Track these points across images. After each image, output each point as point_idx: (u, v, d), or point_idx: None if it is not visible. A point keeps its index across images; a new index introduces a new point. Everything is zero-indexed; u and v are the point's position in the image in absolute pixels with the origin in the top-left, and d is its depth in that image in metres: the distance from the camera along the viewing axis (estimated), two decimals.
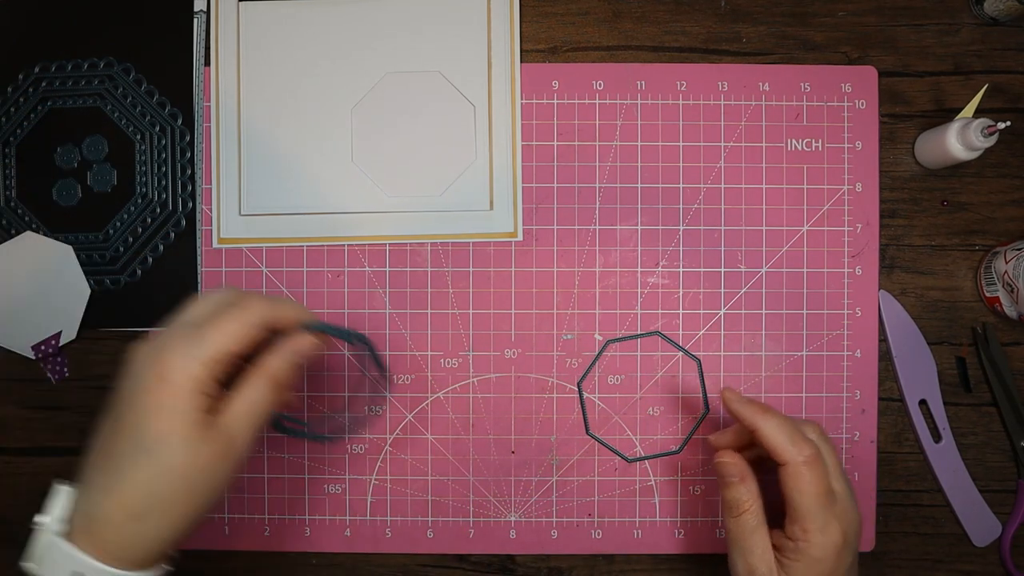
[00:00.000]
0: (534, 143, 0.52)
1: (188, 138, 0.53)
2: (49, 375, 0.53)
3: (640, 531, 0.52)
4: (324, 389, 0.52)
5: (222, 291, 0.40)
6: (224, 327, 0.37)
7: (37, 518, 0.36)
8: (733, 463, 0.44)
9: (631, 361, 0.52)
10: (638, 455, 0.52)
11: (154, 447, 0.35)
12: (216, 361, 0.36)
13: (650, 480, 0.52)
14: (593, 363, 0.51)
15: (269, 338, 0.40)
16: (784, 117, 0.52)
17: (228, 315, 0.37)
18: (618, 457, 0.52)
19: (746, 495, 0.43)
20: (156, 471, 0.35)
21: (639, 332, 0.51)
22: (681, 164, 0.52)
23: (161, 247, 0.53)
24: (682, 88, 0.52)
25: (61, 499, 0.36)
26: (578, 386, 0.51)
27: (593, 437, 0.51)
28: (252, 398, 0.38)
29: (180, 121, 0.53)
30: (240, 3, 0.53)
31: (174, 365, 0.36)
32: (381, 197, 0.52)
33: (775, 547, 0.43)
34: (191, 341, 0.36)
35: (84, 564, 0.35)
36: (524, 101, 0.52)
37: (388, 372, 0.52)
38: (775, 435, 0.42)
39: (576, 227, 0.52)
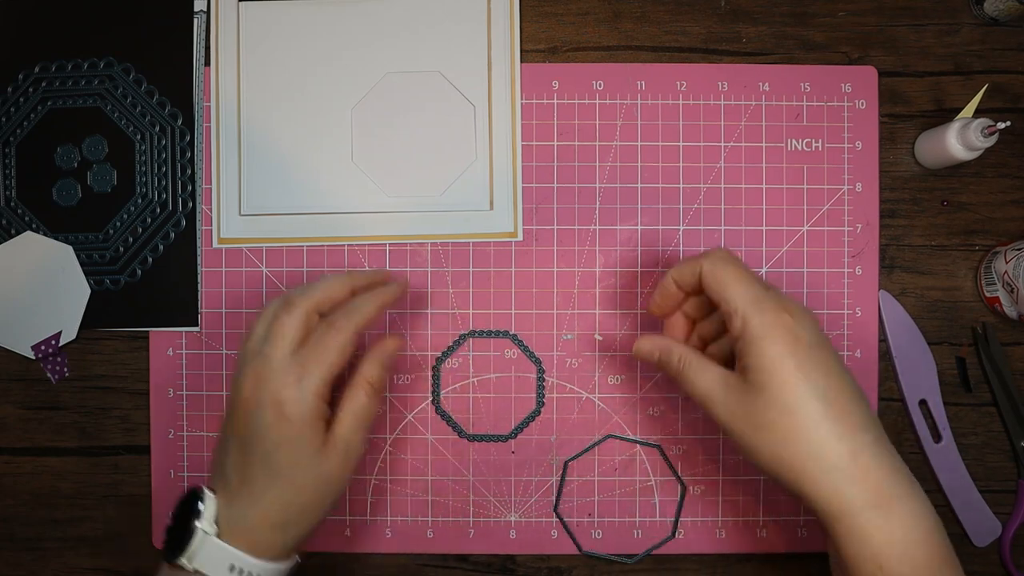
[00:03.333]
0: (534, 143, 0.52)
1: (188, 138, 0.53)
2: (49, 375, 0.53)
3: (640, 531, 0.52)
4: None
5: (293, 308, 0.42)
6: (326, 359, 0.41)
7: (197, 522, 0.40)
8: (646, 342, 0.44)
9: (631, 361, 0.52)
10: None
11: (285, 473, 0.41)
12: (325, 388, 0.42)
13: (650, 480, 0.52)
14: (561, 487, 0.52)
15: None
16: (784, 117, 0.52)
17: (326, 346, 0.42)
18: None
19: (676, 350, 0.42)
20: (290, 491, 0.41)
21: (595, 440, 0.51)
22: (681, 164, 0.52)
23: (161, 247, 0.53)
24: (682, 88, 0.52)
25: (211, 505, 0.41)
26: (555, 512, 0.51)
27: (559, 519, 0.52)
28: (357, 407, 0.43)
29: (180, 121, 0.53)
30: (240, 3, 0.53)
31: (290, 401, 0.41)
32: (381, 197, 0.52)
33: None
34: (300, 376, 0.41)
35: (239, 558, 0.40)
36: (524, 101, 0.52)
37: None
38: (683, 264, 0.42)
39: (576, 227, 0.52)
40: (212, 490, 0.42)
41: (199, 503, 0.41)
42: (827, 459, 0.37)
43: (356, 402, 0.43)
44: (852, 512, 0.37)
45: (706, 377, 0.41)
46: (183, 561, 0.40)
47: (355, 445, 0.43)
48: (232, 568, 0.40)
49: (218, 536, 0.40)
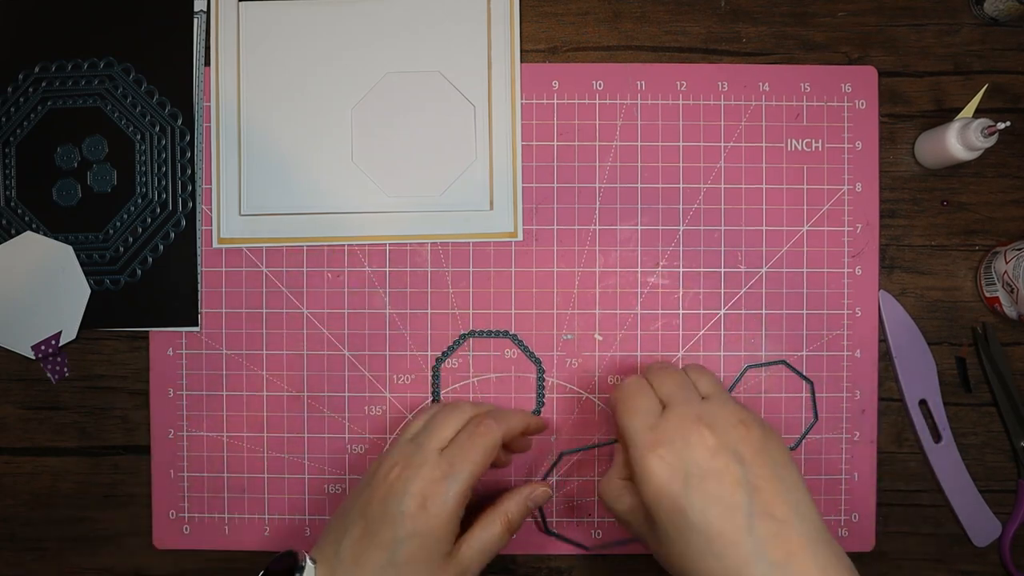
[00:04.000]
0: (534, 143, 0.52)
1: (188, 138, 0.53)
2: (49, 375, 0.53)
3: None
4: (324, 389, 0.52)
5: (457, 409, 0.45)
6: (473, 459, 0.42)
7: None
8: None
9: (631, 361, 0.52)
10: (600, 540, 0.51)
11: (403, 566, 0.40)
12: (469, 491, 0.42)
13: None
14: (552, 469, 0.51)
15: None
16: (784, 117, 0.52)
17: (474, 445, 0.42)
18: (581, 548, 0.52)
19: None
20: None
21: (595, 444, 0.51)
22: (681, 164, 0.52)
23: (161, 247, 0.53)
24: (682, 88, 0.52)
25: (311, 574, 0.40)
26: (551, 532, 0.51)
27: (551, 534, 0.52)
28: (488, 538, 0.43)
29: (180, 121, 0.53)
30: (240, 3, 0.53)
31: (435, 495, 0.40)
32: (381, 197, 0.52)
33: None
34: (447, 473, 0.41)
35: None
36: (524, 101, 0.52)
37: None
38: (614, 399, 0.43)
39: (576, 227, 0.52)
40: (313, 560, 0.41)
41: (298, 572, 0.40)
42: (740, 533, 0.36)
43: (489, 531, 0.43)
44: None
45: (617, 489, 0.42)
46: None
47: (472, 571, 0.42)
48: None
49: None
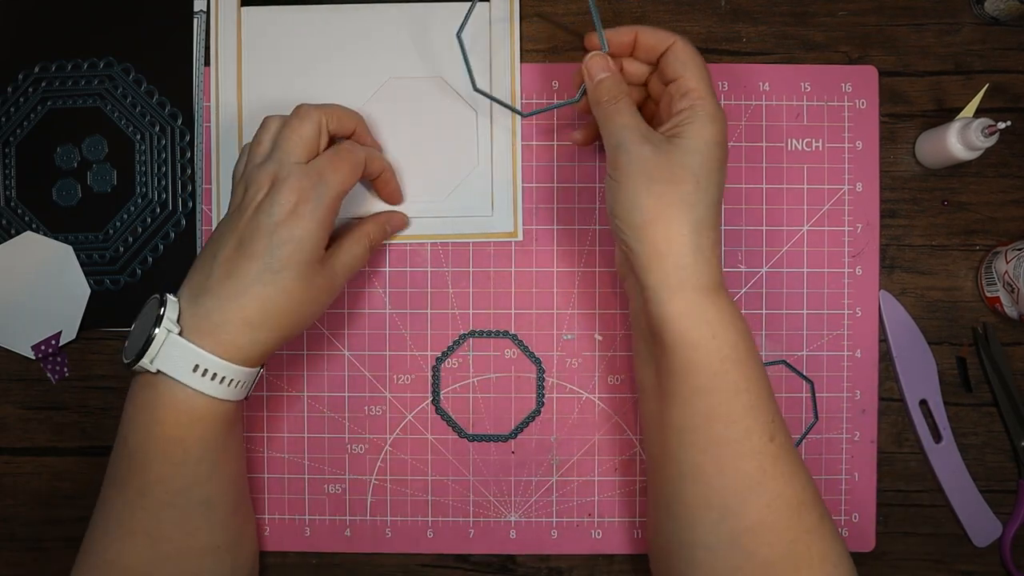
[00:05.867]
0: (534, 143, 0.52)
1: (188, 138, 0.53)
2: (49, 375, 0.53)
3: (640, 531, 0.52)
4: (324, 389, 0.52)
5: (300, 117, 0.43)
6: (341, 170, 0.43)
7: (155, 330, 0.39)
8: (603, 58, 0.44)
9: (631, 361, 0.52)
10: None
11: (281, 271, 0.41)
12: (337, 201, 0.43)
13: None
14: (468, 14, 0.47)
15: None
16: (784, 117, 0.52)
17: (341, 159, 0.44)
18: None
19: (618, 84, 0.44)
20: (276, 290, 0.41)
21: None
22: None
23: (161, 247, 0.53)
24: None
25: (173, 307, 0.41)
26: (458, 38, 0.47)
27: (482, 93, 0.49)
28: (354, 252, 0.46)
29: (180, 121, 0.53)
30: (242, 8, 0.53)
31: (306, 203, 0.41)
32: (379, 200, 0.52)
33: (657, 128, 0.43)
34: (316, 182, 0.42)
35: (204, 358, 0.40)
36: (524, 101, 0.52)
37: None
38: (655, 29, 0.44)
39: (576, 227, 0.52)
40: (175, 295, 0.42)
41: (161, 308, 0.40)
42: (697, 237, 0.40)
43: (354, 248, 0.46)
44: (695, 287, 0.40)
45: (637, 118, 0.42)
46: (144, 363, 0.39)
47: (340, 279, 0.45)
48: (196, 368, 0.40)
49: (184, 336, 0.40)
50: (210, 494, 0.43)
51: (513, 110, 0.51)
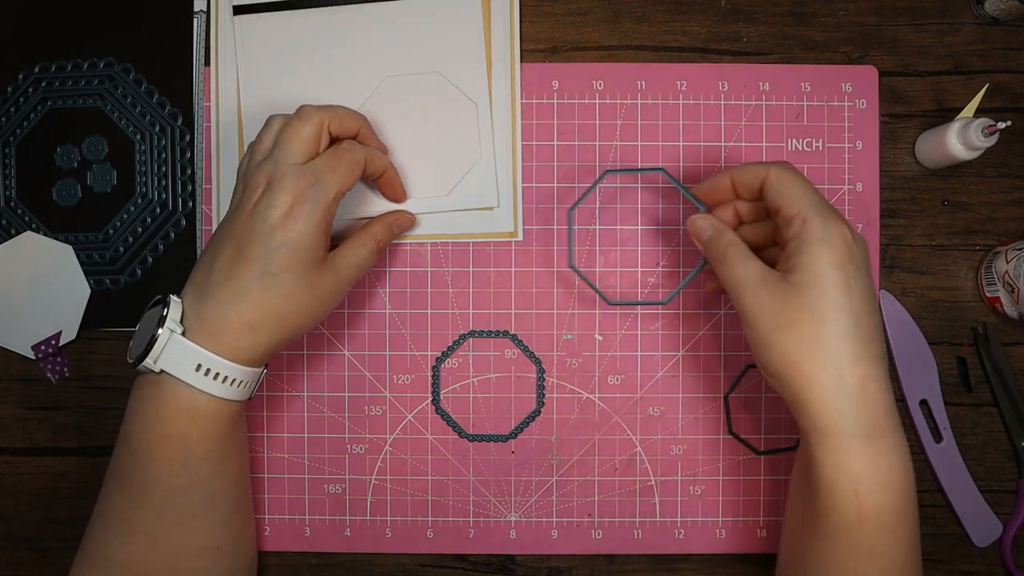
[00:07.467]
0: (534, 143, 0.52)
1: (188, 138, 0.53)
2: (49, 375, 0.53)
3: (640, 531, 0.52)
4: (324, 389, 0.52)
5: (301, 118, 0.43)
6: (339, 171, 0.43)
7: (159, 330, 0.40)
8: (702, 220, 0.44)
9: (631, 361, 0.52)
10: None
11: (279, 275, 0.41)
12: (334, 202, 0.42)
13: (650, 480, 0.52)
14: (588, 191, 0.50)
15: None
16: (784, 117, 0.52)
17: (339, 160, 0.43)
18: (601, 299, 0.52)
19: (720, 238, 0.43)
20: (276, 294, 0.41)
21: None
22: (681, 164, 0.52)
23: (161, 247, 0.53)
24: (682, 88, 0.52)
25: (176, 308, 0.41)
26: (569, 214, 0.50)
27: (576, 272, 0.50)
28: (360, 253, 0.45)
29: (180, 121, 0.53)
30: (236, 16, 0.53)
31: (301, 205, 0.41)
32: (385, 202, 0.52)
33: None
34: (312, 183, 0.41)
35: (207, 358, 0.40)
36: (524, 101, 0.52)
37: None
38: (746, 166, 0.43)
39: (576, 227, 0.52)
40: (178, 296, 0.42)
41: (164, 308, 0.40)
42: (839, 377, 0.38)
43: (361, 249, 0.45)
44: (844, 433, 0.38)
45: (748, 265, 0.41)
46: (148, 363, 0.40)
47: (346, 280, 0.44)
48: (199, 368, 0.40)
49: (187, 337, 0.40)
50: (211, 493, 0.43)
51: (601, 295, 0.50)
